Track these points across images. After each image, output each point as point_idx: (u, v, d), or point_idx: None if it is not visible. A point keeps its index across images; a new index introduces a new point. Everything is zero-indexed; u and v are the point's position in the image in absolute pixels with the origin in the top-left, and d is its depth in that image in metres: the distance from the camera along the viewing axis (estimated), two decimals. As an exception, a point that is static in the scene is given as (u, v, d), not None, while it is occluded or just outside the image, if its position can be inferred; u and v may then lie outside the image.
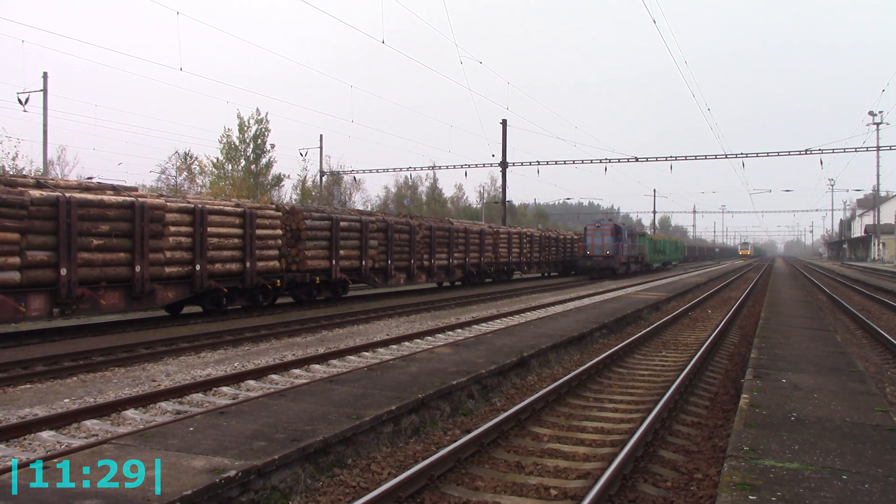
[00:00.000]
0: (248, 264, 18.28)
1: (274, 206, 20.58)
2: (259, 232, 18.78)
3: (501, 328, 15.19)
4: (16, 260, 12.97)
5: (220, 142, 52.09)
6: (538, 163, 47.85)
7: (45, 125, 32.91)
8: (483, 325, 17.07)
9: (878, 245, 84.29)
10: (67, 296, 13.72)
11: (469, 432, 6.93)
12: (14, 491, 4.63)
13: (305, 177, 59.57)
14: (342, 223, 22.17)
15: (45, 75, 32.93)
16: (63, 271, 13.64)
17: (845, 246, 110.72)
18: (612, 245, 42.16)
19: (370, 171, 55.32)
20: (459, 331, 15.94)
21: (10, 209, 12.89)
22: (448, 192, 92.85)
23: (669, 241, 70.89)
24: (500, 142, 46.25)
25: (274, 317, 18.20)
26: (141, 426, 7.45)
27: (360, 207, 59.76)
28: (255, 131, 52.95)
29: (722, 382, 10.50)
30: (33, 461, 5.79)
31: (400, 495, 5.33)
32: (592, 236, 42.87)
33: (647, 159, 46.93)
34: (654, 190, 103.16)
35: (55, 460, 5.37)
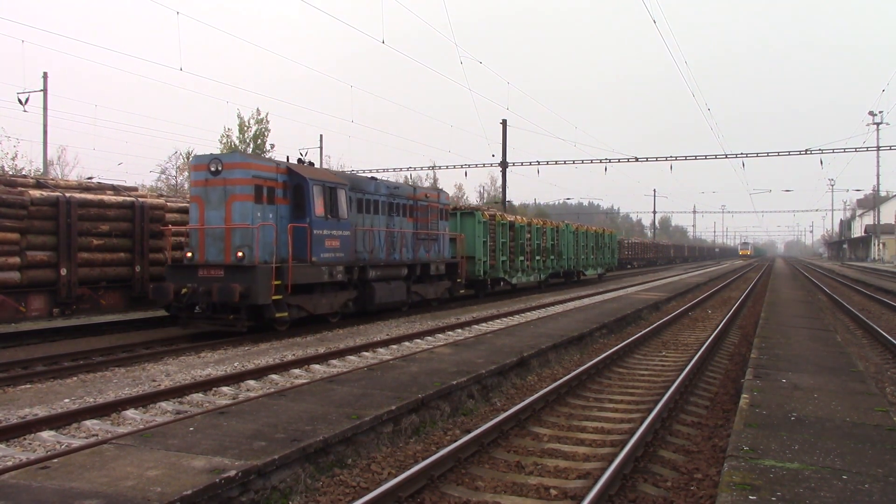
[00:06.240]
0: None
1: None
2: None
3: (501, 328, 15.19)
4: (16, 260, 12.98)
5: (221, 142, 52.10)
6: (538, 163, 47.76)
7: (45, 125, 32.91)
8: (483, 325, 17.07)
9: (879, 245, 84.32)
10: (67, 296, 13.73)
11: (469, 432, 6.93)
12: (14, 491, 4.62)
13: (305, 177, 59.40)
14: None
15: (45, 75, 32.92)
16: (63, 271, 13.65)
17: (845, 246, 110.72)
18: (261, 234, 14.03)
19: (370, 171, 55.29)
20: (459, 331, 15.94)
21: (10, 209, 12.90)
22: (448, 191, 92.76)
23: (571, 233, 34.71)
24: (500, 142, 46.26)
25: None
26: (141, 426, 7.45)
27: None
28: (256, 131, 52.97)
29: (722, 382, 10.50)
30: (33, 461, 5.79)
31: (400, 495, 5.33)
32: (200, 203, 14.30)
33: (647, 159, 46.88)
34: (654, 190, 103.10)
35: (55, 460, 5.37)
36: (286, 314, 14.24)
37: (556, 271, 32.80)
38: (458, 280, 22.39)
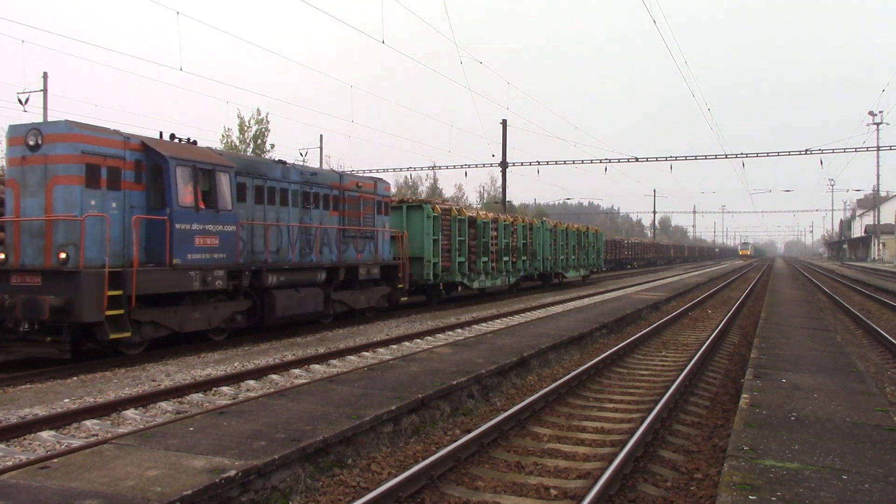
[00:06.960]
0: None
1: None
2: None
3: (501, 328, 15.20)
4: (16, 260, 12.92)
5: (221, 142, 52.09)
6: (538, 163, 47.80)
7: (45, 125, 32.88)
8: (483, 324, 17.08)
9: (878, 245, 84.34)
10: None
11: (469, 432, 6.93)
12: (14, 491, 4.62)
13: (305, 177, 59.31)
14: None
15: (45, 75, 32.93)
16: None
17: (845, 246, 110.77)
18: (92, 228, 10.77)
19: (370, 171, 55.33)
20: (459, 331, 15.94)
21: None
22: (448, 191, 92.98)
23: (547, 231, 31.24)
24: (500, 142, 46.26)
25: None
26: (141, 426, 7.45)
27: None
28: (256, 131, 52.95)
29: (722, 382, 10.51)
30: (33, 461, 5.79)
31: (400, 495, 5.33)
32: (16, 187, 11.03)
33: (647, 159, 46.91)
34: (654, 190, 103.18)
35: (55, 460, 5.37)
36: (129, 333, 10.85)
37: (530, 273, 29.37)
38: (400, 286, 18.72)
